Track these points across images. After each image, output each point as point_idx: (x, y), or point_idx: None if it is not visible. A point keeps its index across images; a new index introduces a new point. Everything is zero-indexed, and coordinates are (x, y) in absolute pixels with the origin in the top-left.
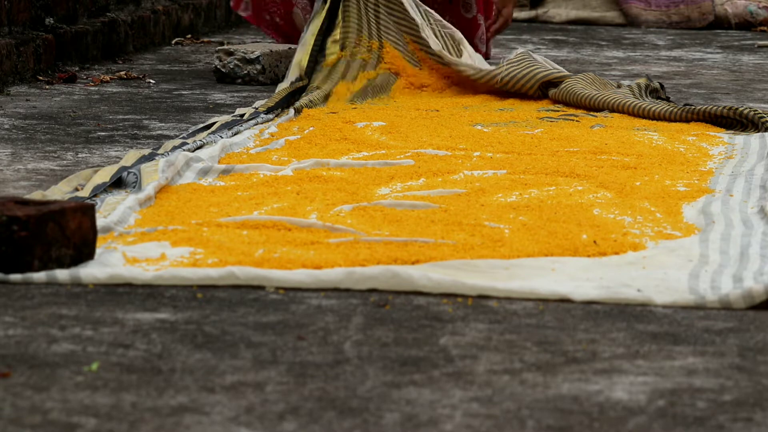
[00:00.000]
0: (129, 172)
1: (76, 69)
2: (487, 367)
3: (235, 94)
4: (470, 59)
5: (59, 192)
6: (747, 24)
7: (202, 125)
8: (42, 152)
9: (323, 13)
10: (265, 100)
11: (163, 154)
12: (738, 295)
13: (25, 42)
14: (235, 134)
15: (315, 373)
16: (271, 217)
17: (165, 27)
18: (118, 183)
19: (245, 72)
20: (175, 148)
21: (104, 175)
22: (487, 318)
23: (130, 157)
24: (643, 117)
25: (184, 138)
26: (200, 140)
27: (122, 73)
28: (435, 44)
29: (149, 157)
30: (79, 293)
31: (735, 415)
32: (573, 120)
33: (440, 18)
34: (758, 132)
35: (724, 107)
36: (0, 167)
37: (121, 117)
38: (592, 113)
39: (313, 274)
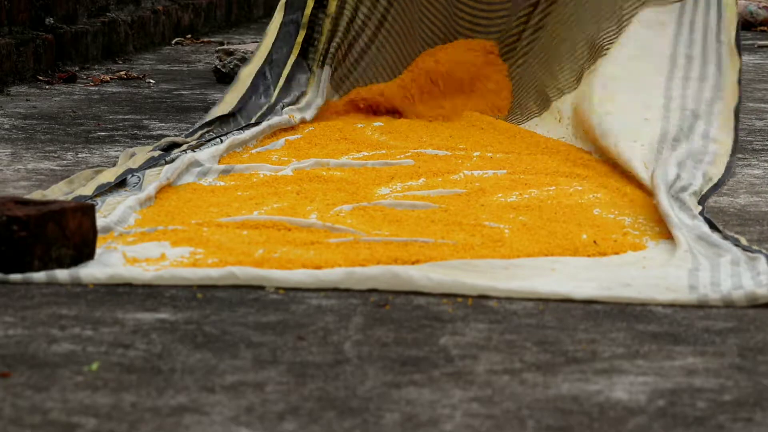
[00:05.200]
0: (133, 175)
1: (76, 69)
2: (487, 367)
3: None
4: None
5: (59, 192)
6: (747, 24)
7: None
8: (42, 152)
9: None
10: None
11: (171, 160)
12: (740, 294)
13: (25, 42)
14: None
15: (315, 373)
16: (271, 217)
17: (165, 27)
18: (120, 182)
19: None
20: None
21: (109, 175)
22: (487, 318)
23: (138, 158)
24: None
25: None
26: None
27: (122, 73)
28: None
29: (158, 159)
30: (79, 293)
31: (735, 415)
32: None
33: None
34: None
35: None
36: (0, 167)
37: (121, 117)
38: None
39: (313, 274)
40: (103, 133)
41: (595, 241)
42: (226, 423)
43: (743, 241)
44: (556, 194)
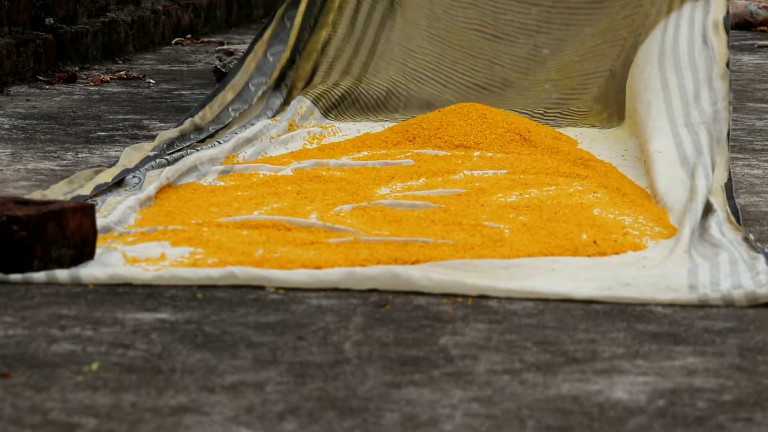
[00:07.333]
0: (133, 175)
1: (76, 69)
2: (487, 367)
3: None
4: None
5: (59, 192)
6: (747, 24)
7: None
8: (42, 152)
9: None
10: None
11: (168, 159)
12: (740, 294)
13: (25, 42)
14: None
15: (315, 373)
16: (271, 217)
17: (165, 27)
18: (119, 182)
19: None
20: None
21: (107, 176)
22: (487, 318)
23: (134, 157)
24: None
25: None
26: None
27: (122, 73)
28: None
29: (153, 159)
30: (79, 293)
31: (735, 415)
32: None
33: None
34: None
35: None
36: (0, 167)
37: (121, 117)
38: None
39: (313, 274)
40: (103, 133)
41: (595, 241)
42: (226, 423)
43: (751, 237)
44: (556, 194)
